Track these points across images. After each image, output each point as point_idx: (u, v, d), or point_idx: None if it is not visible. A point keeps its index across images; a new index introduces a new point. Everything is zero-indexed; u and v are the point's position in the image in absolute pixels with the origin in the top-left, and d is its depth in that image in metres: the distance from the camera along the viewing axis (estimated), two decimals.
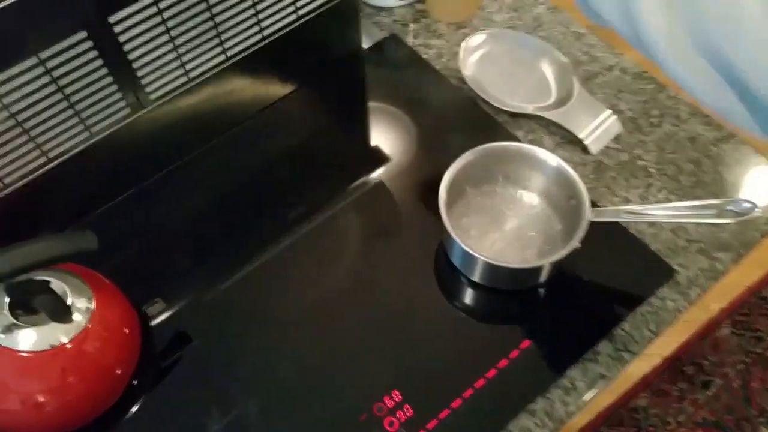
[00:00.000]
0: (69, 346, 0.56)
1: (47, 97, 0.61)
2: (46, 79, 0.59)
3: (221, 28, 0.67)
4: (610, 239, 0.69)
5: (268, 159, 0.77)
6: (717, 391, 1.30)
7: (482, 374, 0.62)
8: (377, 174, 0.75)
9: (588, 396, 0.62)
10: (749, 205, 0.58)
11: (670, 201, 0.71)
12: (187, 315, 0.67)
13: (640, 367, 1.34)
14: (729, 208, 0.59)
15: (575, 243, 0.61)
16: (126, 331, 0.62)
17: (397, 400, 0.62)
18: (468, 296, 0.68)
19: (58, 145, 0.65)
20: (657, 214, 0.62)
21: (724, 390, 1.30)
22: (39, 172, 0.65)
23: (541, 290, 0.68)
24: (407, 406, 0.61)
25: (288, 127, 0.80)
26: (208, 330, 0.66)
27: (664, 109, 0.77)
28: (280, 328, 0.67)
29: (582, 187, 0.63)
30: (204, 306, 0.68)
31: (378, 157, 0.76)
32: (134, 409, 0.62)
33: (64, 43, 0.58)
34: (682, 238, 0.69)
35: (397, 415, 0.61)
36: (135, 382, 0.63)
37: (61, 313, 0.57)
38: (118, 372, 0.61)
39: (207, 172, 0.76)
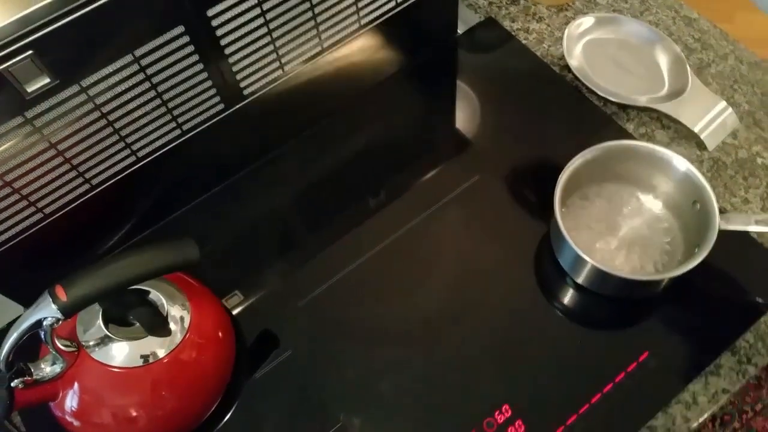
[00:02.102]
0: (165, 360, 0.54)
1: (140, 95, 0.58)
2: (139, 77, 0.56)
3: (320, 18, 0.63)
4: (731, 244, 0.64)
5: (360, 152, 0.74)
6: None
7: (599, 389, 0.59)
8: (477, 168, 0.71)
9: (710, 411, 0.59)
10: None
11: None
12: (279, 321, 0.65)
13: None
14: None
15: (702, 255, 0.57)
16: (221, 335, 0.60)
17: (507, 415, 0.59)
18: (577, 303, 0.65)
19: (148, 144, 0.62)
20: None
21: None
22: (127, 172, 0.63)
23: (658, 299, 0.64)
24: (519, 421, 0.59)
25: (381, 118, 0.76)
26: (303, 335, 0.64)
27: None
28: (379, 338, 0.64)
29: (711, 193, 0.59)
30: (298, 309, 0.65)
31: (477, 150, 0.72)
32: (227, 418, 0.61)
33: (161, 39, 0.55)
34: None
35: (509, 431, 0.58)
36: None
37: (158, 326, 0.55)
38: (216, 380, 0.59)
39: (298, 166, 0.73)
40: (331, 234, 0.69)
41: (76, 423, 0.54)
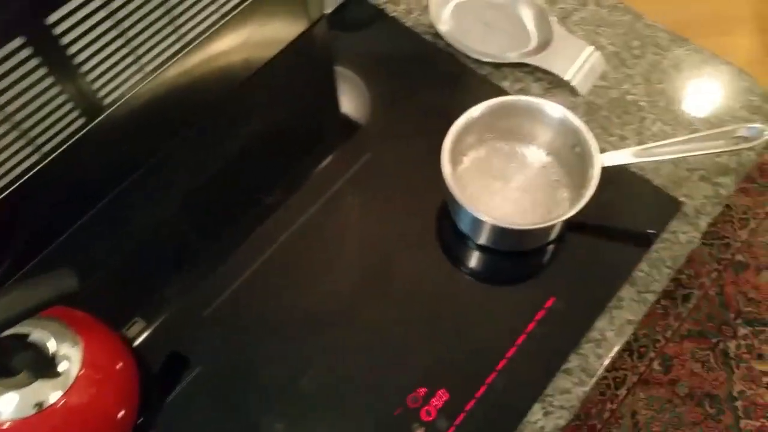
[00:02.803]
0: (60, 403, 0.50)
1: None
2: None
3: (175, 12, 0.60)
4: (614, 181, 0.67)
5: (245, 149, 0.71)
6: (697, 302, 1.35)
7: (512, 342, 0.60)
8: (366, 148, 0.70)
9: (619, 345, 0.61)
10: (760, 127, 0.57)
11: (665, 132, 0.70)
12: (184, 335, 0.62)
13: None
14: (739, 134, 0.58)
15: (589, 194, 0.59)
16: (120, 366, 0.56)
17: (429, 386, 0.59)
18: (481, 263, 0.66)
19: (6, 173, 0.57)
20: (666, 150, 0.60)
21: (703, 299, 1.35)
22: None
23: (554, 245, 0.66)
24: (442, 391, 0.59)
25: (262, 111, 0.74)
26: (212, 347, 0.61)
27: (644, 39, 0.75)
28: (291, 334, 0.62)
29: (589, 133, 0.60)
30: (203, 321, 0.62)
31: (363, 130, 0.72)
32: None
33: (0, 53, 0.51)
34: (682, 169, 0.68)
35: (433, 403, 0.58)
36: (141, 420, 0.58)
37: (45, 368, 0.50)
38: (121, 414, 0.55)
39: (179, 172, 0.70)
40: (228, 237, 0.67)
41: None
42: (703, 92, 0.72)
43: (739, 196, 1.46)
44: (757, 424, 1.25)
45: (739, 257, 1.39)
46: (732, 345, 1.31)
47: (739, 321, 1.34)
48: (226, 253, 0.66)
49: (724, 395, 1.27)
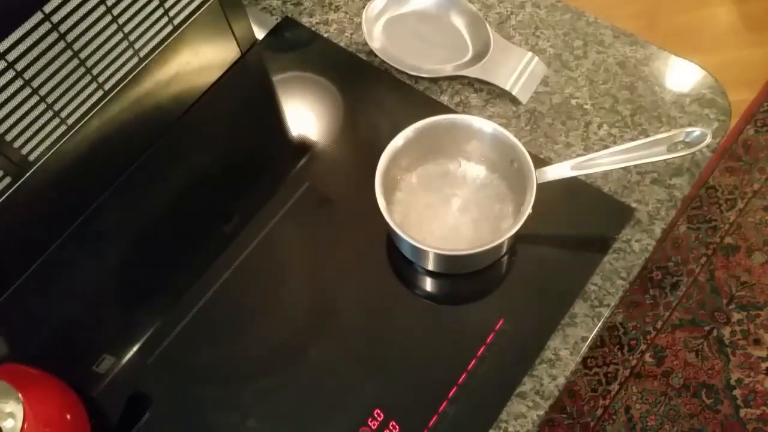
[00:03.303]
0: None
1: None
2: None
3: (90, 63, 0.58)
4: (562, 191, 0.65)
5: (183, 187, 0.70)
6: (687, 290, 1.31)
7: (463, 368, 0.59)
8: (305, 176, 0.68)
9: (573, 364, 0.59)
10: (699, 133, 0.55)
11: (612, 135, 0.68)
12: (131, 383, 0.61)
13: None
14: (680, 139, 0.56)
15: (527, 210, 0.57)
16: (68, 417, 0.56)
17: (380, 419, 0.57)
18: (430, 287, 0.64)
19: None
20: (605, 161, 0.58)
21: (693, 286, 1.31)
22: None
23: (503, 262, 0.64)
24: (393, 423, 0.57)
25: (197, 145, 0.72)
26: (157, 397, 0.60)
27: (587, 38, 0.73)
28: (239, 372, 0.61)
29: (523, 150, 0.58)
30: (148, 371, 0.61)
31: (301, 156, 0.70)
32: None
33: None
34: (633, 173, 0.66)
35: None
36: None
37: None
38: None
39: (117, 219, 0.68)
40: (170, 280, 0.65)
41: None
42: (651, 89, 0.69)
43: (724, 175, 1.42)
44: (758, 412, 1.21)
45: (728, 240, 1.36)
46: (726, 331, 1.28)
47: (732, 306, 1.30)
48: (167, 297, 0.64)
49: (721, 384, 1.23)
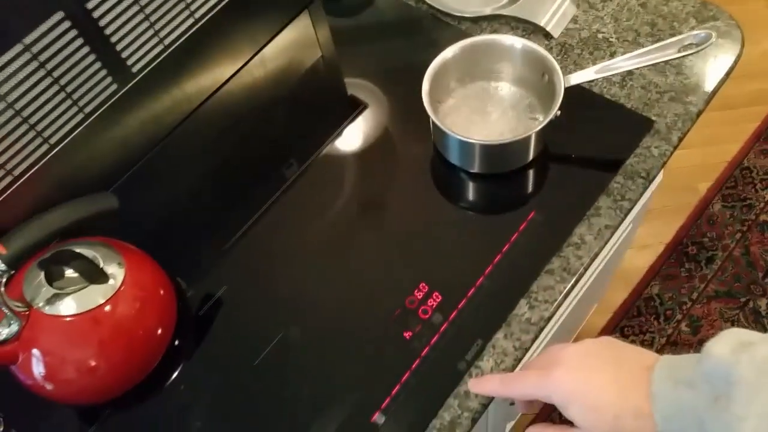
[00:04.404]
0: (108, 307, 0.59)
1: (39, 82, 0.64)
2: (35, 65, 0.63)
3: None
4: (588, 107, 0.74)
5: (252, 118, 0.81)
6: (722, 263, 1.36)
7: (498, 250, 0.67)
8: (362, 100, 0.79)
9: (597, 248, 0.67)
10: (705, 34, 0.63)
11: None
12: (211, 265, 0.71)
13: (645, 257, 1.39)
14: (688, 42, 0.64)
15: (555, 110, 0.65)
16: (161, 292, 0.65)
17: (424, 290, 0.66)
18: (467, 189, 0.73)
19: (57, 130, 0.68)
20: (625, 64, 0.66)
21: (728, 260, 1.35)
22: (44, 160, 0.69)
23: (535, 168, 0.72)
24: (435, 293, 0.65)
25: (262, 85, 0.83)
26: (235, 272, 0.70)
27: None
28: (304, 256, 0.70)
29: (551, 58, 0.67)
30: (227, 253, 0.71)
31: (359, 86, 0.80)
32: (181, 365, 0.66)
33: (44, 26, 0.62)
34: (653, 92, 0.74)
35: (429, 303, 0.65)
36: (177, 343, 0.67)
37: (96, 274, 0.60)
38: (159, 332, 0.64)
39: (199, 139, 0.80)
40: (243, 183, 0.76)
41: (39, 378, 0.59)
42: (671, 24, 0.78)
43: (759, 157, 1.47)
44: None
45: (763, 217, 1.40)
46: (762, 303, 1.31)
47: None
48: (242, 198, 0.75)
49: None
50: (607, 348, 0.50)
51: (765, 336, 0.41)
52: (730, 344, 0.41)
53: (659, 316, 1.32)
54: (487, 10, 0.80)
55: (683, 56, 0.64)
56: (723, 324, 1.29)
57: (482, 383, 0.56)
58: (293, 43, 0.85)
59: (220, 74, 0.82)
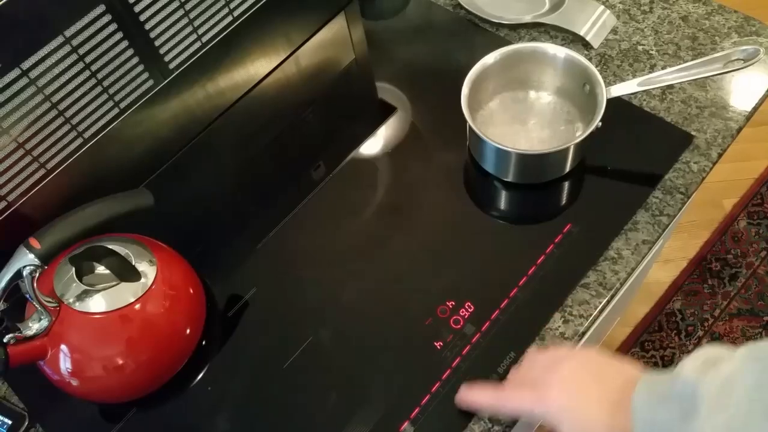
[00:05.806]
0: (138, 306, 0.59)
1: (77, 75, 0.64)
2: (74, 58, 0.63)
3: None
4: (628, 120, 0.72)
5: (284, 117, 0.81)
6: (745, 281, 1.34)
7: (533, 262, 0.66)
8: (399, 104, 0.78)
9: (634, 263, 0.66)
10: (753, 49, 0.62)
11: None
12: (242, 267, 0.70)
13: (668, 271, 1.38)
14: (735, 57, 0.63)
15: (597, 121, 0.64)
16: (191, 291, 0.65)
17: (456, 300, 0.65)
18: (503, 198, 0.72)
19: (91, 125, 0.68)
20: (670, 78, 0.65)
21: (752, 278, 1.34)
22: (77, 154, 0.68)
23: (572, 179, 0.71)
24: (468, 303, 0.64)
25: (295, 85, 0.83)
26: (264, 275, 0.69)
27: None
28: (334, 260, 0.70)
29: (594, 69, 0.66)
30: (257, 254, 0.71)
31: (398, 90, 0.80)
32: (208, 366, 0.65)
33: (86, 19, 0.61)
34: (693, 107, 0.73)
35: (461, 313, 0.64)
36: (204, 343, 0.66)
37: (127, 271, 0.60)
38: (188, 332, 0.63)
39: (231, 137, 0.80)
40: (273, 188, 0.75)
41: (66, 374, 0.58)
42: (712, 39, 0.77)
43: None
44: None
45: None
46: None
47: None
48: (273, 199, 0.74)
49: None
50: (593, 362, 0.52)
51: (731, 353, 0.41)
52: (700, 361, 0.42)
53: (680, 331, 1.30)
54: (527, 18, 0.79)
55: (729, 71, 0.62)
56: (745, 342, 1.27)
57: (473, 395, 0.57)
58: (327, 44, 0.85)
59: (255, 73, 0.81)
